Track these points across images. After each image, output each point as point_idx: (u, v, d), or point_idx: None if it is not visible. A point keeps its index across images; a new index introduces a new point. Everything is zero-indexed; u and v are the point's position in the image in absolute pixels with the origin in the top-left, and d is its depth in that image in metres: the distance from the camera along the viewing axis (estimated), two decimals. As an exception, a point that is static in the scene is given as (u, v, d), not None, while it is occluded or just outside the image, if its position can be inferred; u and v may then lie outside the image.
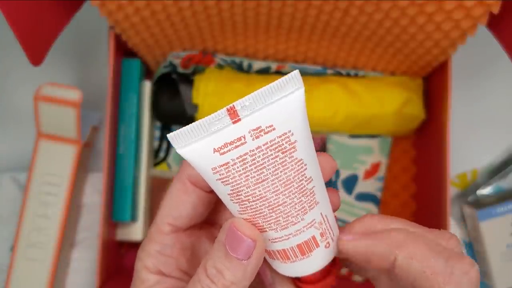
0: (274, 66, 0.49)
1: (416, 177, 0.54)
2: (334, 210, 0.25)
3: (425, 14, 0.39)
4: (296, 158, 0.21)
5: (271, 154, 0.21)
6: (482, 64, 0.56)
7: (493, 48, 0.43)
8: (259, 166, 0.21)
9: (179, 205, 0.24)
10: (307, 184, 0.22)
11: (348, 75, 0.51)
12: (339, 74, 0.51)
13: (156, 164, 0.53)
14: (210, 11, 0.41)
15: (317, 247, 0.24)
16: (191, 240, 0.25)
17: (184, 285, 0.24)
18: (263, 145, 0.21)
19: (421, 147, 0.53)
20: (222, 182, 0.22)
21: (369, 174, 0.53)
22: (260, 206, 0.22)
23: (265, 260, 0.25)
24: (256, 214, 0.22)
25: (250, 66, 0.49)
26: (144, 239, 0.25)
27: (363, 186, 0.53)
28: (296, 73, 0.21)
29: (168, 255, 0.24)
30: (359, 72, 0.50)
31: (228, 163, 0.21)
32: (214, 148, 0.21)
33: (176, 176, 0.24)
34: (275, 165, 0.21)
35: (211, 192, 0.24)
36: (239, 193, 0.22)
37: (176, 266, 0.24)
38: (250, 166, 0.21)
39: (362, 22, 0.42)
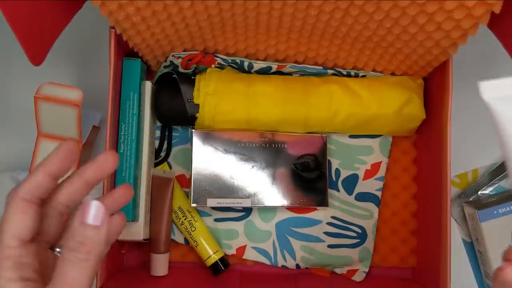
0: (274, 66, 0.49)
1: (416, 177, 0.54)
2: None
3: (425, 14, 0.39)
4: None
5: None
6: (483, 63, 0.56)
7: (494, 47, 0.43)
8: None
9: (19, 222, 0.27)
10: None
11: (349, 75, 0.51)
12: (339, 74, 0.51)
13: (157, 164, 0.53)
14: (210, 11, 0.41)
15: None
16: (37, 249, 0.28)
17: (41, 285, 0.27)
18: None
19: (421, 147, 0.53)
20: None
21: (370, 174, 0.53)
22: None
23: None
24: None
25: (250, 66, 0.49)
26: None
27: (363, 186, 0.53)
28: None
29: (24, 262, 0.26)
30: (359, 72, 0.50)
31: None
32: None
33: (10, 198, 0.27)
34: None
35: (40, 206, 0.28)
36: None
37: (33, 270, 0.27)
38: None
39: (362, 22, 0.42)
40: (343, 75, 0.51)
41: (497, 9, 0.37)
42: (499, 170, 0.54)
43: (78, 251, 0.26)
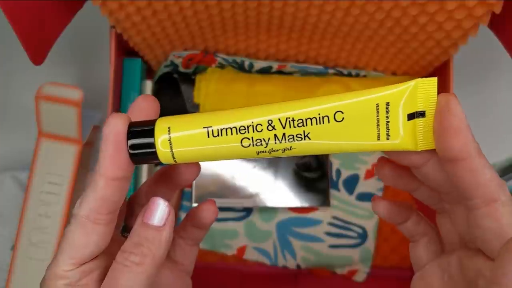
0: (275, 65, 0.49)
1: (417, 177, 0.54)
2: None
3: (426, 14, 0.39)
4: None
5: None
6: (484, 64, 0.56)
7: (495, 47, 0.43)
8: None
9: (80, 248, 0.23)
10: None
11: (350, 75, 0.51)
12: (340, 74, 0.51)
13: (158, 164, 0.53)
14: (211, 10, 0.41)
15: None
16: (98, 264, 0.24)
17: None
18: None
19: (422, 147, 0.53)
20: None
21: (370, 174, 0.53)
22: None
23: None
24: None
25: (251, 65, 0.49)
26: (43, 281, 0.23)
27: (364, 186, 0.53)
28: None
29: (81, 284, 0.23)
30: (360, 72, 0.50)
31: None
32: None
33: (72, 219, 0.23)
34: None
35: (109, 223, 0.23)
36: None
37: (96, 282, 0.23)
38: None
39: (363, 22, 0.42)
40: (344, 75, 0.51)
41: (497, 10, 0.37)
42: (509, 169, 0.53)
43: (132, 252, 0.22)
